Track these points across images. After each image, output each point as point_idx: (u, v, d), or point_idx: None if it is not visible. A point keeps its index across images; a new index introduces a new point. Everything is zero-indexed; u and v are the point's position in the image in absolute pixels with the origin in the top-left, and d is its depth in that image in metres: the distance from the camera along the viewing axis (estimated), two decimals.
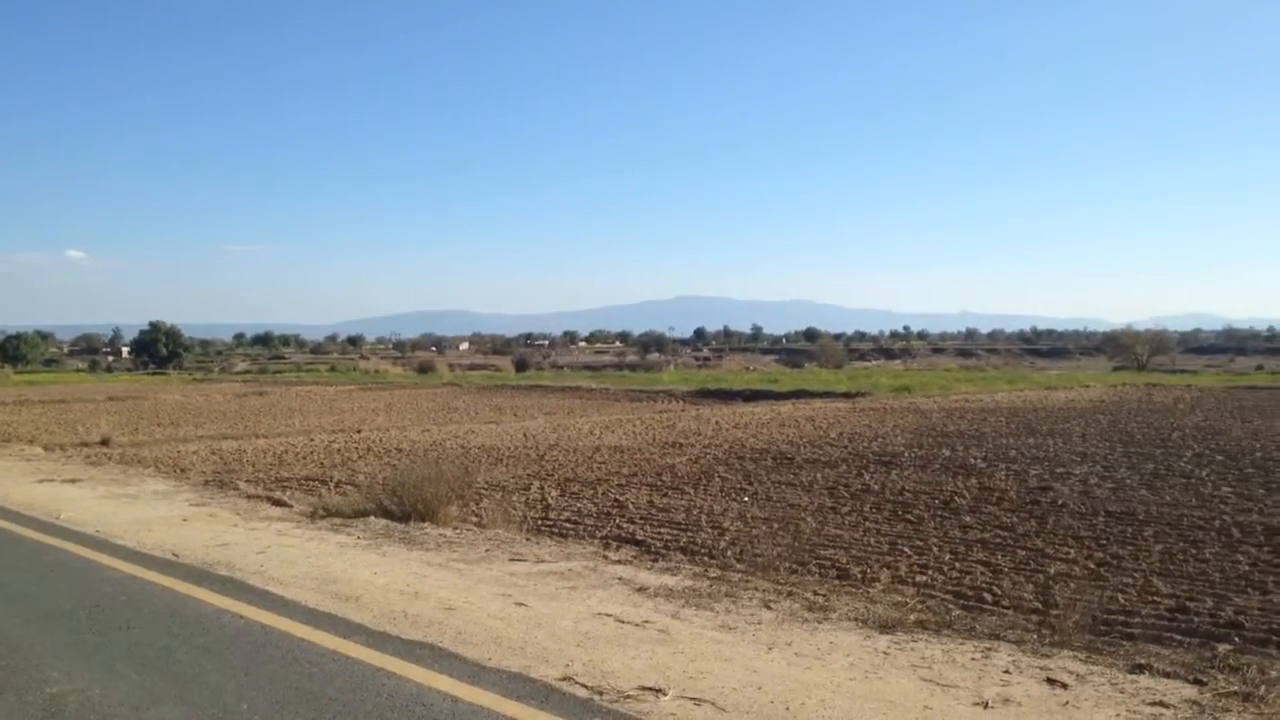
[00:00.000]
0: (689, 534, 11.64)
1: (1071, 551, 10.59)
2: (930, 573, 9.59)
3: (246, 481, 16.28)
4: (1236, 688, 5.65)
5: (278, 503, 13.82)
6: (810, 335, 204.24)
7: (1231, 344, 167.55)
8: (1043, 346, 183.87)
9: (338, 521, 11.99)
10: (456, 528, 11.59)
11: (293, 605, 7.91)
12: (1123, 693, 5.66)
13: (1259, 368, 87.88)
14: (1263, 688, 5.61)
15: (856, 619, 7.40)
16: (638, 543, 11.10)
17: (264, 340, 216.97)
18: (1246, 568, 9.74)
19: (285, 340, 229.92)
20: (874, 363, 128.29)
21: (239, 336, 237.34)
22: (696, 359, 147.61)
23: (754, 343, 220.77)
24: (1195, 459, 18.64)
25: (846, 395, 43.46)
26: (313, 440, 25.04)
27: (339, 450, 22.24)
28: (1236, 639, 7.13)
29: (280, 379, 79.86)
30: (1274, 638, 7.21)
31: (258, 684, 5.93)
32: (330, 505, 12.80)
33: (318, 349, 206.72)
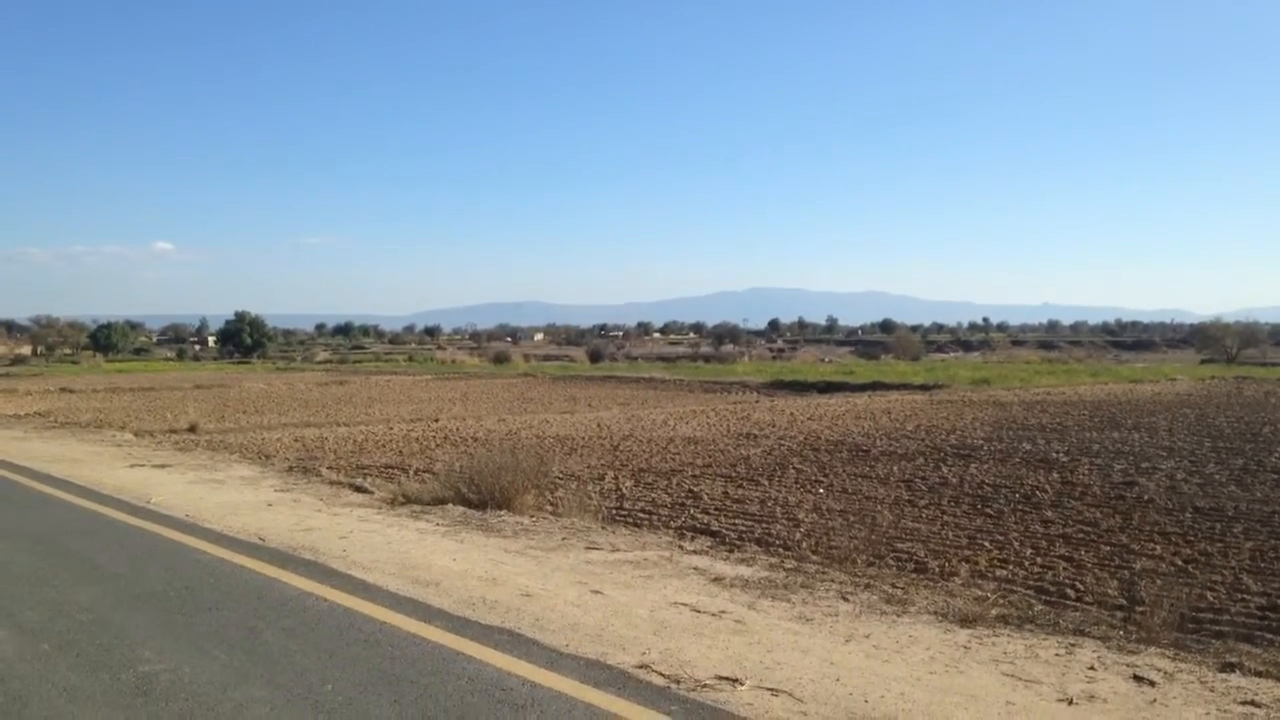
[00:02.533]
0: (764, 525, 11.60)
1: (1157, 548, 10.33)
2: (1010, 567, 9.44)
3: (328, 468, 16.62)
4: None
5: (359, 489, 14.10)
6: (886, 327, 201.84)
7: None
8: (1127, 339, 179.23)
9: (417, 508, 12.19)
10: (533, 516, 11.71)
11: (374, 589, 8.07)
12: (1213, 691, 5.52)
13: None
14: None
15: (936, 612, 7.32)
16: (712, 533, 11.09)
17: (344, 330, 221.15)
18: None
19: (365, 330, 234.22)
20: (951, 355, 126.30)
21: (320, 326, 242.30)
22: (770, 350, 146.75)
23: (829, 334, 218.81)
24: None
25: (923, 387, 42.88)
26: (392, 429, 25.46)
27: (417, 439, 22.59)
28: None
29: (360, 368, 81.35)
30: None
31: (341, 665, 6.06)
32: (409, 492, 13.02)
33: (396, 339, 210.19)
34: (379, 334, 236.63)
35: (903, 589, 8.08)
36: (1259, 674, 5.79)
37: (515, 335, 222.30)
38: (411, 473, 16.11)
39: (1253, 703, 5.31)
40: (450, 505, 12.27)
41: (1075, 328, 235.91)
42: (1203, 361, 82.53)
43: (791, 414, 29.34)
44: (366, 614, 7.30)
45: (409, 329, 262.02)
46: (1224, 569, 9.35)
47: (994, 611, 7.31)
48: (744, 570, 8.87)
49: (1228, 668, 5.90)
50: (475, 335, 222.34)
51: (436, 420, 28.56)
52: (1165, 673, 5.85)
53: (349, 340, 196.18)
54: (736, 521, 11.91)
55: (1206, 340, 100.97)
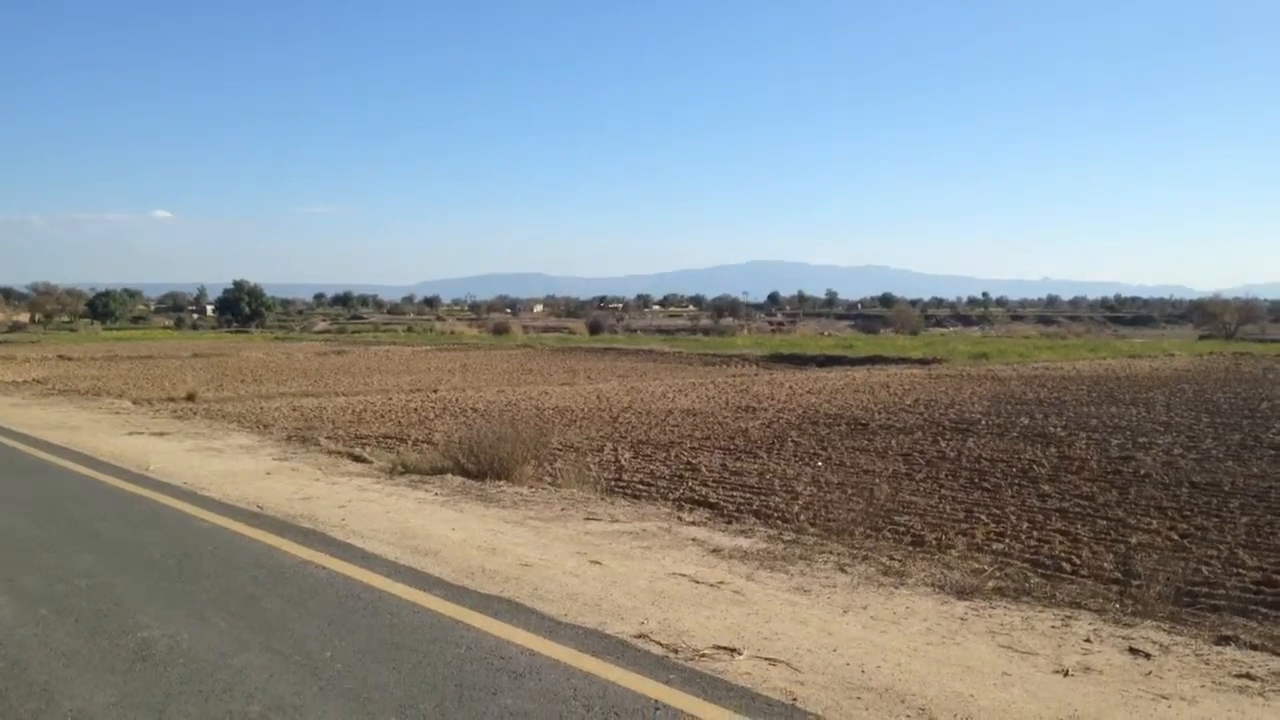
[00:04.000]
0: (762, 498, 11.62)
1: (1154, 522, 10.36)
2: (1007, 541, 9.46)
3: (327, 438, 16.63)
4: None
5: (357, 459, 14.11)
6: (886, 301, 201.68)
7: None
8: (1126, 314, 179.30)
9: (416, 478, 12.21)
10: (532, 486, 11.73)
11: (373, 558, 8.08)
12: (1208, 664, 5.54)
13: None
14: None
15: (933, 584, 7.34)
16: (711, 505, 11.11)
17: (343, 300, 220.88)
18: None
19: (364, 301, 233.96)
20: (951, 329, 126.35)
21: (319, 296, 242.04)
22: (770, 324, 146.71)
23: (828, 308, 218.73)
24: None
25: (922, 362, 42.89)
26: (390, 399, 25.48)
27: (416, 409, 22.60)
28: None
29: (359, 338, 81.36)
30: None
31: (340, 633, 6.08)
32: (408, 462, 13.03)
33: (395, 309, 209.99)
34: (378, 304, 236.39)
35: (900, 561, 8.10)
36: (1254, 647, 5.82)
37: (515, 307, 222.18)
38: (410, 443, 16.12)
39: (1248, 675, 5.34)
40: (449, 475, 12.28)
41: (1075, 303, 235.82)
42: (1201, 338, 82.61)
43: (790, 387, 29.35)
44: (365, 582, 7.32)
45: (408, 300, 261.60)
46: (1220, 544, 9.37)
47: (990, 584, 7.34)
48: (742, 542, 8.89)
49: (1223, 641, 5.93)
50: (475, 306, 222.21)
51: (435, 391, 28.57)
52: (1161, 645, 5.87)
53: (348, 310, 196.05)
54: (735, 494, 11.92)
55: (1205, 316, 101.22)
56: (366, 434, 17.74)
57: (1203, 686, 5.19)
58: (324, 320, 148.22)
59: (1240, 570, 8.33)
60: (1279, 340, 74.08)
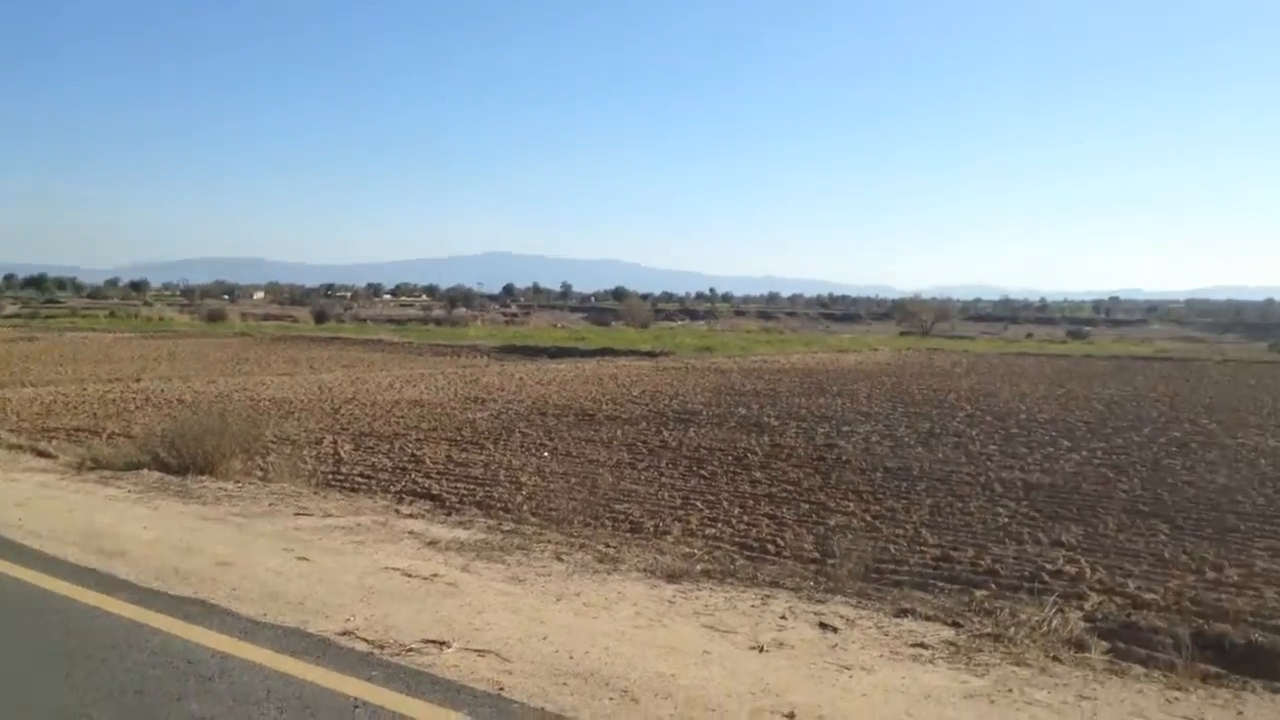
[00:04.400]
0: (486, 489, 11.54)
1: (851, 505, 11.10)
2: (720, 525, 9.85)
3: (10, 431, 15.12)
4: (989, 629, 6.05)
5: (42, 454, 12.90)
6: (618, 294, 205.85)
7: (1006, 313, 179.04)
8: (837, 311, 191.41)
9: (107, 474, 11.28)
10: (238, 481, 11.09)
11: (53, 560, 7.38)
12: (887, 635, 5.97)
13: (1029, 335, 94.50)
14: (1012, 629, 6.03)
15: (645, 570, 7.51)
16: (433, 497, 10.92)
17: (36, 283, 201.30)
18: (1005, 520, 10.44)
19: (60, 284, 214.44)
20: (679, 323, 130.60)
21: (9, 277, 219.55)
22: (504, 315, 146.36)
23: (563, 301, 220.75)
24: (967, 419, 19.84)
25: (650, 354, 44.09)
26: (85, 389, 23.49)
27: (114, 401, 20.94)
28: (993, 585, 7.62)
29: (53, 324, 74.57)
30: (1025, 584, 7.75)
31: (6, 641, 5.51)
32: (100, 457, 12.03)
33: (96, 294, 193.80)
34: (77, 288, 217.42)
35: (615, 548, 8.24)
36: (929, 618, 6.32)
37: (233, 293, 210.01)
38: (105, 436, 14.90)
39: (921, 644, 5.79)
40: (146, 470, 11.42)
41: (793, 299, 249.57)
42: (901, 334, 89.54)
43: (521, 378, 29.38)
44: (43, 587, 6.67)
45: (112, 283, 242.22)
46: (906, 524, 10.16)
47: (699, 567, 7.59)
48: (461, 533, 8.77)
49: (902, 613, 6.40)
50: (188, 292, 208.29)
51: (138, 381, 26.58)
52: (848, 619, 6.27)
53: (41, 294, 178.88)
54: (459, 485, 11.78)
55: (906, 314, 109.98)
56: (55, 427, 16.26)
57: (881, 656, 5.58)
58: (13, 304, 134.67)
59: (923, 548, 9.06)
60: (967, 337, 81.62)
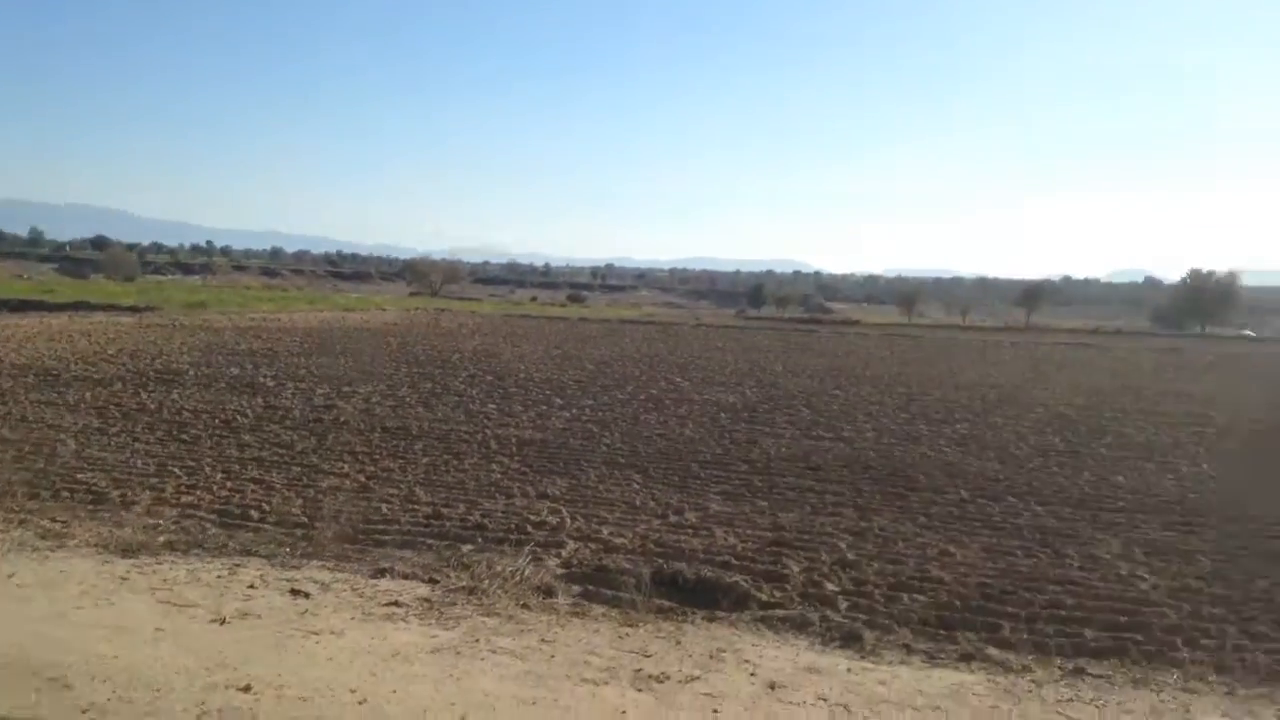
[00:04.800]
0: None
1: (346, 466, 10.84)
2: (199, 493, 9.15)
3: None
4: (465, 583, 6.16)
5: None
6: (99, 244, 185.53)
7: (513, 277, 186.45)
8: (346, 270, 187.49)
9: None
10: None
11: None
12: (362, 596, 5.87)
13: (533, 299, 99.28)
14: (486, 581, 6.19)
15: (98, 544, 6.77)
16: None
17: None
18: (498, 476, 10.76)
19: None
20: (169, 277, 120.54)
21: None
22: None
23: (32, 248, 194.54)
24: (469, 379, 20.26)
25: (133, 309, 40.29)
26: None
27: None
28: (480, 539, 7.80)
29: None
30: (510, 536, 8.02)
31: None
32: None
33: None
34: None
35: (64, 523, 7.35)
36: (406, 577, 6.31)
37: None
38: None
39: (396, 603, 5.76)
40: None
41: (299, 256, 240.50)
42: (411, 294, 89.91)
43: None
44: None
45: None
46: (401, 483, 10.11)
47: (163, 539, 6.99)
48: None
49: (380, 573, 6.33)
50: None
51: None
52: (322, 584, 6.08)
53: None
54: None
55: (416, 275, 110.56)
56: None
57: (353, 618, 5.46)
58: None
59: (415, 506, 9.05)
60: (475, 299, 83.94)
